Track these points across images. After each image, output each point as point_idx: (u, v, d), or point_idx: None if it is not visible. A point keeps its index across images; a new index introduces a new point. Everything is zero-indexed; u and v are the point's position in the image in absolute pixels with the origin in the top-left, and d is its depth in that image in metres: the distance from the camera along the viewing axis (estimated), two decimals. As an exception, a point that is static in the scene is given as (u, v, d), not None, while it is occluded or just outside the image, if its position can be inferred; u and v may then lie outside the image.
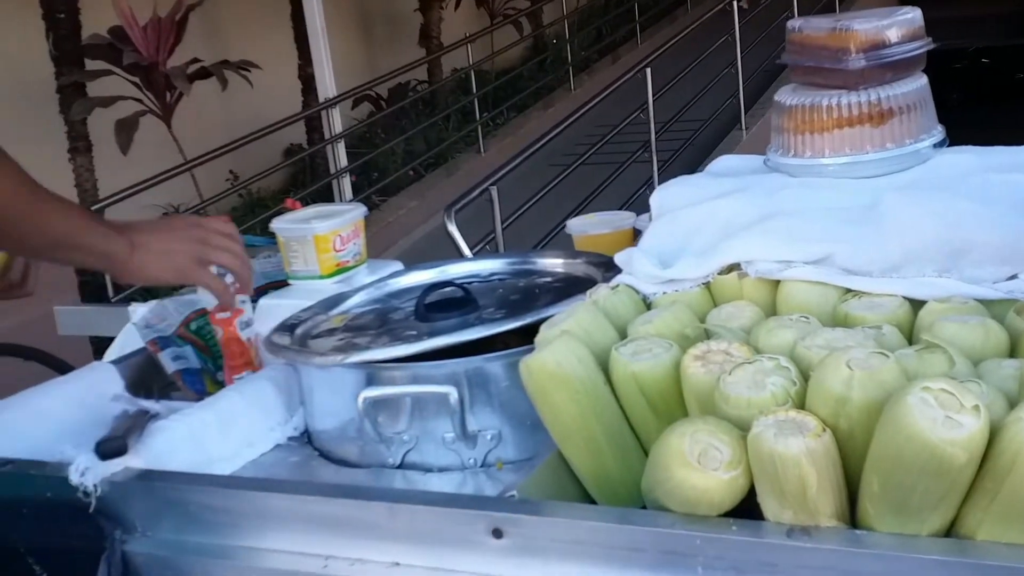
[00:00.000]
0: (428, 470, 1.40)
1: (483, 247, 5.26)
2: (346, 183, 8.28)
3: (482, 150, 9.90)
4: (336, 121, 8.09)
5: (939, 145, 1.39)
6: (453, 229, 4.55)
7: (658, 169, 7.29)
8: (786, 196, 1.33)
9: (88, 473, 1.25)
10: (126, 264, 1.45)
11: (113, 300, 5.69)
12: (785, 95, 1.42)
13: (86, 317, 2.53)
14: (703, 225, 1.33)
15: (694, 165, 7.43)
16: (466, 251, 4.40)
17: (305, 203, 1.94)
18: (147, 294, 6.11)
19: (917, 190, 1.27)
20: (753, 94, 9.49)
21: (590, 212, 2.06)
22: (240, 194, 8.36)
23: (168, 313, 1.74)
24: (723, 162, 1.57)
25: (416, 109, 10.40)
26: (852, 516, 0.97)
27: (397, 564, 1.12)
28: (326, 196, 8.07)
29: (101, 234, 1.41)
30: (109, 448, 1.26)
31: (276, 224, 1.78)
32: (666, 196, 1.45)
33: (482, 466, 1.39)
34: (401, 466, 1.42)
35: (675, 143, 8.34)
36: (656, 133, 7.34)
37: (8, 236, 1.37)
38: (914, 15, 1.38)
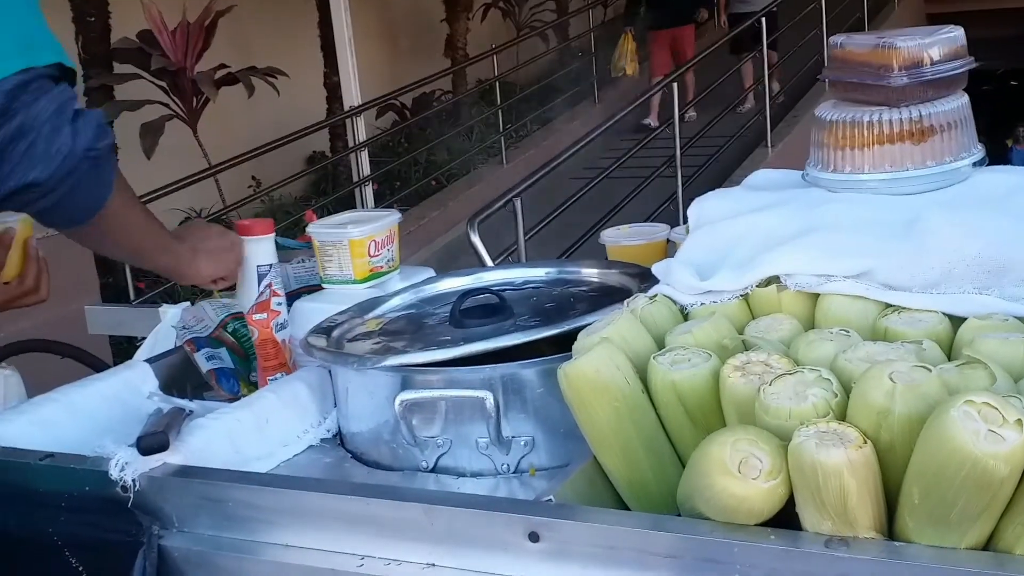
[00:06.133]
0: (461, 474, 1.41)
1: (505, 258, 5.27)
2: (368, 191, 8.31)
3: (504, 161, 9.91)
4: (360, 129, 8.13)
5: (978, 164, 1.39)
6: (476, 240, 4.56)
7: (682, 184, 7.29)
8: (826, 211, 1.33)
9: (128, 468, 1.26)
10: (186, 269, 1.64)
11: (134, 302, 5.74)
12: (825, 110, 1.42)
13: (115, 316, 2.55)
14: (742, 238, 1.34)
15: (718, 181, 7.43)
16: (488, 262, 4.40)
17: (327, 211, 1.97)
18: (168, 297, 6.16)
19: (958, 207, 1.28)
20: (780, 111, 9.48)
21: (614, 226, 2.07)
22: (262, 200, 8.40)
23: (205, 315, 1.76)
24: (760, 176, 1.57)
25: (440, 119, 10.43)
26: (891, 528, 0.97)
27: (433, 565, 1.13)
28: (348, 204, 8.10)
29: (169, 248, 1.61)
30: (151, 443, 1.27)
31: (312, 228, 1.79)
32: (704, 208, 1.45)
33: (515, 472, 1.39)
34: (434, 470, 1.43)
35: (699, 159, 8.34)
36: (681, 148, 7.34)
37: (117, 253, 1.71)
38: (956, 34, 1.38)
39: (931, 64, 1.35)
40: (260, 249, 1.68)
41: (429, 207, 8.94)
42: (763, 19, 8.95)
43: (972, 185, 1.37)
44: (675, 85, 7.19)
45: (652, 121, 9.74)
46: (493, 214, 5.03)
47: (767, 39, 9.11)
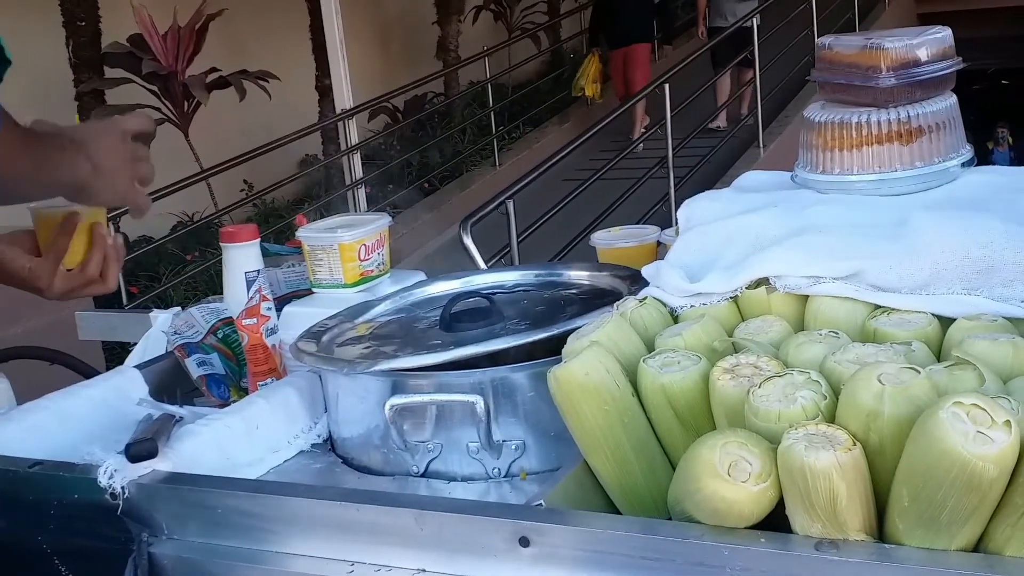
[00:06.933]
0: (452, 479, 1.41)
1: (498, 261, 5.27)
2: (361, 194, 8.32)
3: (497, 164, 9.92)
4: (352, 132, 8.13)
5: (967, 164, 1.39)
6: (469, 242, 4.57)
7: (674, 185, 7.30)
8: (815, 212, 1.33)
9: (117, 475, 1.26)
10: (90, 188, 1.43)
11: (127, 307, 5.73)
12: (814, 112, 1.42)
13: (106, 322, 2.54)
14: (732, 239, 1.34)
15: (711, 182, 7.45)
16: (481, 264, 4.41)
17: (319, 214, 1.96)
18: (161, 302, 6.15)
19: (946, 208, 1.28)
20: (771, 112, 9.49)
21: (606, 227, 2.07)
22: (255, 204, 8.40)
23: (195, 321, 1.76)
24: (750, 177, 1.57)
25: (432, 122, 10.43)
26: (881, 530, 0.97)
27: (423, 571, 1.13)
28: (340, 207, 8.10)
29: (66, 161, 1.39)
30: (140, 450, 1.27)
31: (302, 232, 1.79)
32: (694, 210, 1.45)
33: (506, 476, 1.39)
34: (425, 474, 1.42)
35: (692, 159, 8.35)
36: (673, 149, 7.35)
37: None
38: (944, 34, 1.38)
39: (919, 65, 1.35)
40: (246, 255, 1.68)
41: (422, 209, 8.95)
42: (740, 31, 8.86)
43: (961, 186, 1.37)
44: (666, 86, 7.19)
45: (637, 133, 9.53)
46: (486, 216, 5.04)
47: (742, 55, 8.98)
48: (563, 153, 6.20)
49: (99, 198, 1.44)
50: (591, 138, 6.81)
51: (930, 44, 1.37)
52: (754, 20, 8.88)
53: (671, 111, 7.31)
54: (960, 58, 1.39)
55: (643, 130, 9.38)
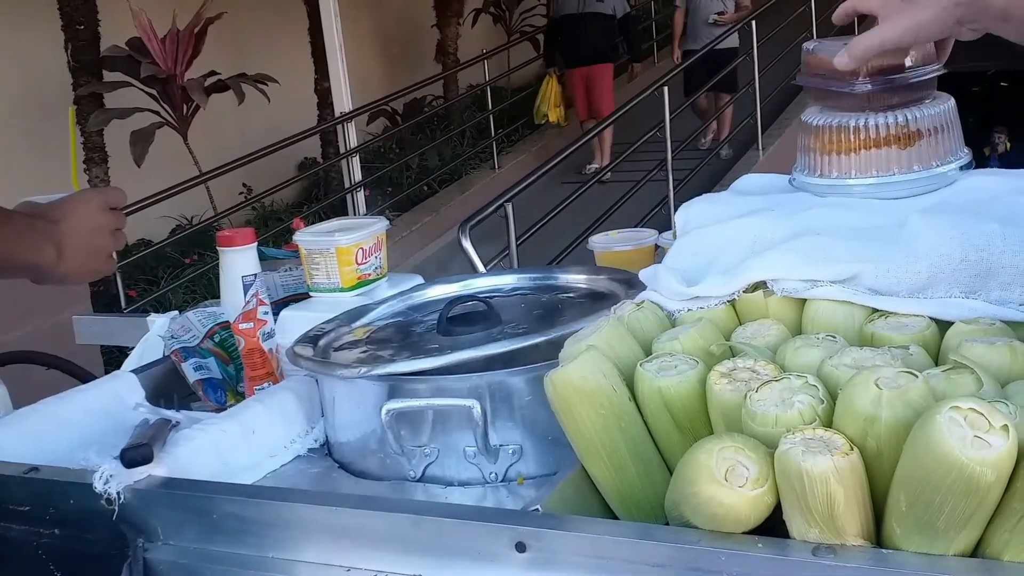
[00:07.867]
0: (449, 484, 1.40)
1: (497, 264, 5.27)
2: (360, 197, 8.33)
3: (496, 166, 9.92)
4: (351, 135, 8.14)
5: (965, 167, 1.39)
6: (468, 245, 4.57)
7: (674, 188, 7.31)
8: (813, 215, 1.33)
9: (112, 480, 1.26)
10: (52, 273, 1.45)
11: (126, 311, 5.73)
12: (812, 115, 1.42)
13: (103, 326, 2.54)
14: (729, 243, 1.33)
15: (710, 185, 7.46)
16: (480, 267, 4.41)
17: (319, 217, 1.96)
18: (159, 305, 6.16)
19: (944, 211, 1.27)
20: (770, 115, 9.49)
21: (605, 231, 2.07)
22: (254, 207, 8.40)
23: (192, 325, 1.76)
24: (748, 180, 1.57)
25: (431, 125, 10.44)
26: (878, 535, 0.97)
27: (419, 576, 1.13)
28: (340, 210, 8.12)
29: (29, 244, 1.41)
30: (135, 456, 1.26)
31: (299, 236, 1.79)
32: (691, 213, 1.45)
33: (503, 481, 1.39)
34: (421, 479, 1.42)
35: (691, 162, 8.35)
36: (672, 152, 7.35)
37: None
38: None
39: (895, 71, 1.32)
40: (243, 259, 1.68)
41: (421, 213, 8.96)
42: (716, 55, 8.71)
43: (959, 189, 1.36)
44: (666, 89, 7.20)
45: (598, 163, 8.99)
46: (485, 219, 5.04)
47: (720, 77, 8.76)
48: (562, 156, 6.20)
49: (62, 282, 1.47)
50: (590, 141, 6.81)
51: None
52: (753, 41, 8.79)
53: (670, 114, 7.31)
54: (941, 64, 1.37)
55: (604, 163, 8.69)
